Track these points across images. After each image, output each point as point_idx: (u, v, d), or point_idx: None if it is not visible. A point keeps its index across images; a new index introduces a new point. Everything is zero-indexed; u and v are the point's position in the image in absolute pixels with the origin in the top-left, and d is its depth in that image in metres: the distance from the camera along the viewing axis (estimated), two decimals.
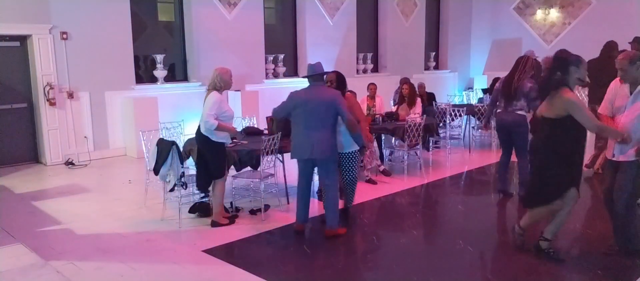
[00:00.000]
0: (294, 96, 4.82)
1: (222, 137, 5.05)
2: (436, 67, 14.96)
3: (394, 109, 8.27)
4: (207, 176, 5.16)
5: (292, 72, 11.72)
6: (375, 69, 13.30)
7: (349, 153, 5.22)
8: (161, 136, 5.92)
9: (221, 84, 5.04)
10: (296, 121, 4.78)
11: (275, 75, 11.20)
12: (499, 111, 6.07)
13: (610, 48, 7.12)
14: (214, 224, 5.21)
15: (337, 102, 4.71)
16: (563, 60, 4.02)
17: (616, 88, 4.26)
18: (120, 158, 8.75)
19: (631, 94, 4.08)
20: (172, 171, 5.17)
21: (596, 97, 6.03)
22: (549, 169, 4.10)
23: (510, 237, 4.68)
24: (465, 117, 9.25)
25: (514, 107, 5.83)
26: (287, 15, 11.64)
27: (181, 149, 5.45)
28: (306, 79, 4.89)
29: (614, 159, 4.19)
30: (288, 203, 5.96)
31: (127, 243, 4.80)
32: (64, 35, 8.07)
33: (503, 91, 5.90)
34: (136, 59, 9.09)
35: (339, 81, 5.40)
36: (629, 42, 7.80)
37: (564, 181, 4.10)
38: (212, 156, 5.10)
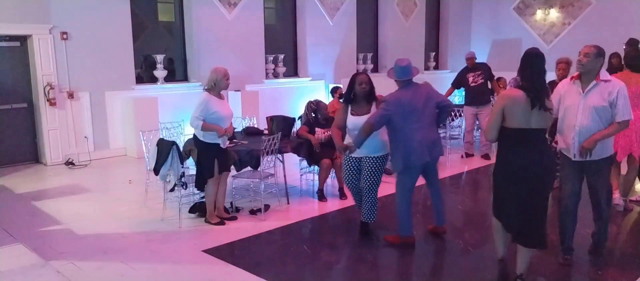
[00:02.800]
0: (396, 101, 4.42)
1: (210, 138, 5.04)
2: (436, 67, 14.95)
3: None
4: (200, 175, 5.18)
5: (292, 72, 11.73)
6: (375, 69, 13.29)
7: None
8: (161, 136, 5.92)
9: (211, 83, 5.04)
10: (406, 126, 4.38)
11: (275, 75, 11.20)
12: None
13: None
14: (207, 222, 5.27)
15: (432, 92, 4.59)
16: None
17: (564, 87, 4.09)
18: (120, 158, 8.75)
19: (583, 91, 3.91)
20: (172, 171, 5.18)
21: None
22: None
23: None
24: None
25: None
26: (287, 15, 11.64)
27: (181, 149, 5.45)
28: (395, 81, 4.56)
29: (580, 159, 3.97)
30: (288, 203, 5.96)
31: (127, 243, 4.80)
32: (64, 35, 8.07)
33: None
34: (136, 59, 9.09)
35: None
36: (624, 44, 7.82)
37: None
38: (200, 155, 5.16)
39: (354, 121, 4.72)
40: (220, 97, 5.11)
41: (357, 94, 4.77)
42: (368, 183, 4.76)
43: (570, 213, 4.14)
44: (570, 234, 4.19)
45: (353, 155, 4.77)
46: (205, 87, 5.09)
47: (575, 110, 3.94)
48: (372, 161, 4.73)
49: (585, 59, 3.88)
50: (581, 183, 4.14)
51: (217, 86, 5.03)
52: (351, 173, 4.91)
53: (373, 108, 4.74)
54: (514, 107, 3.42)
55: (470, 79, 8.58)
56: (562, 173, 4.20)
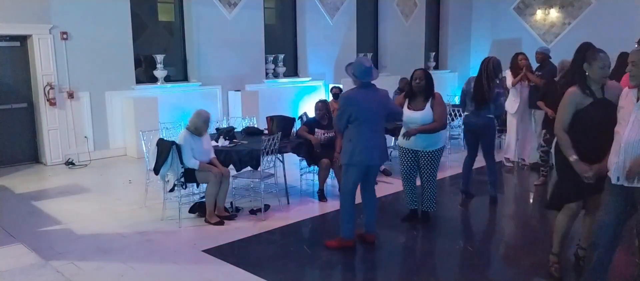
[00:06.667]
0: (352, 98, 4.57)
1: (191, 164, 5.21)
2: (436, 67, 14.95)
3: None
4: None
5: (292, 72, 11.73)
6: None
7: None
8: (161, 136, 5.93)
9: (192, 127, 5.23)
10: (358, 124, 4.60)
11: (275, 75, 11.20)
12: (467, 113, 6.05)
13: None
14: (206, 222, 5.29)
15: (386, 99, 4.88)
16: None
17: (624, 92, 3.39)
18: (120, 158, 8.75)
19: (637, 100, 3.20)
20: (172, 171, 5.19)
21: None
22: None
23: (510, 236, 4.69)
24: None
25: (486, 112, 5.81)
26: (287, 15, 11.64)
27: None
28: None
29: (625, 184, 3.23)
30: (288, 203, 5.96)
31: (127, 243, 4.80)
32: (64, 35, 8.07)
33: (475, 96, 5.77)
34: (136, 59, 9.09)
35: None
36: (636, 42, 7.81)
37: None
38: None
39: (409, 115, 4.97)
40: (199, 134, 5.26)
41: (414, 89, 5.00)
42: (426, 175, 5.11)
43: (602, 249, 3.40)
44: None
45: (409, 147, 5.06)
46: (187, 127, 5.26)
47: (626, 123, 3.24)
48: (429, 154, 5.04)
49: (634, 69, 3.21)
50: (623, 216, 3.34)
51: (198, 131, 5.21)
52: (407, 165, 5.18)
53: (428, 105, 4.91)
54: None
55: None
56: (603, 198, 3.42)
